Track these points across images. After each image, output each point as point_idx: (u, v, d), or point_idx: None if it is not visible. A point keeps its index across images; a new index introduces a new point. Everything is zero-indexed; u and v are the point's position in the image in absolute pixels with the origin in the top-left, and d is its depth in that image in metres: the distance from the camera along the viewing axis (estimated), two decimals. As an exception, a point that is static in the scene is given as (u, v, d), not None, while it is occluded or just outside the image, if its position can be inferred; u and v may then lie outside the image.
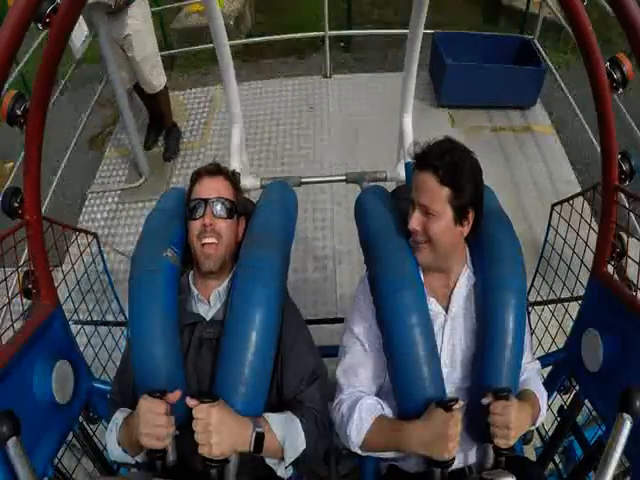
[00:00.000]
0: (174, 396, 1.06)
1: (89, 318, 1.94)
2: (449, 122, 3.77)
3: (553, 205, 2.04)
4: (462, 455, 1.23)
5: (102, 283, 2.06)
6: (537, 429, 1.77)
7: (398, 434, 1.13)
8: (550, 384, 1.61)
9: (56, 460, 1.36)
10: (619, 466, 1.27)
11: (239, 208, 1.31)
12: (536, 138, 3.63)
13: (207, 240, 1.21)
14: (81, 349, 1.55)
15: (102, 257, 2.09)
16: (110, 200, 3.47)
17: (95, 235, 2.01)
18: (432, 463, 1.09)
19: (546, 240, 2.08)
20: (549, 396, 1.32)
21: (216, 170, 1.30)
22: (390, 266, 1.20)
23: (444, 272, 1.24)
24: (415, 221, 1.14)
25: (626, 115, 2.66)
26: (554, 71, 3.67)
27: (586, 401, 1.45)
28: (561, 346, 1.61)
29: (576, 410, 1.49)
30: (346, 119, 3.82)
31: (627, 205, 1.42)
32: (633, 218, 1.76)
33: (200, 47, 4.40)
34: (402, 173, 2.15)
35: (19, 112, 1.15)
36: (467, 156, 1.15)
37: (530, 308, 2.06)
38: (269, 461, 1.13)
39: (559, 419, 1.60)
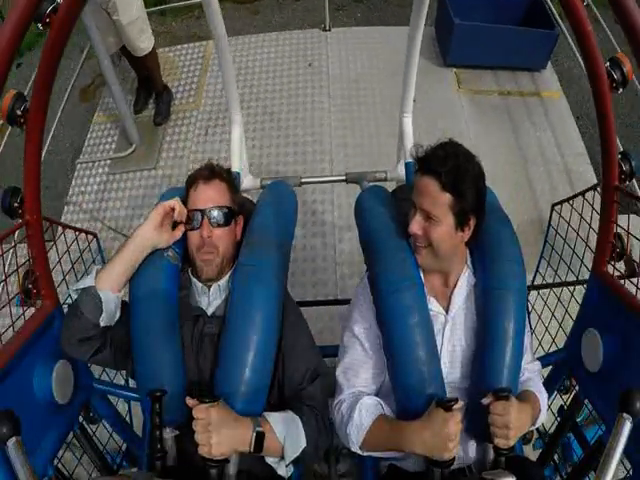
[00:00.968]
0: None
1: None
2: (455, 83, 3.59)
3: (553, 205, 2.04)
4: (462, 455, 1.23)
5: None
6: (537, 429, 1.77)
7: (398, 434, 1.13)
8: (550, 384, 1.61)
9: (56, 460, 1.36)
10: (620, 468, 1.27)
11: (236, 209, 1.30)
12: (545, 104, 3.47)
13: (205, 256, 1.22)
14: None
15: (102, 257, 2.09)
16: (100, 171, 3.32)
17: (95, 235, 2.01)
18: (432, 463, 1.09)
19: (546, 240, 2.08)
20: (549, 396, 1.32)
21: (211, 174, 1.28)
22: (390, 266, 1.21)
23: (444, 273, 1.24)
24: (416, 225, 1.14)
25: None
26: (564, 30, 3.44)
27: (586, 401, 1.45)
28: (561, 346, 1.61)
29: (576, 410, 1.49)
30: (347, 80, 3.60)
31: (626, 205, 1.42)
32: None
33: (192, 1, 4.22)
34: (402, 173, 2.15)
35: (19, 112, 1.15)
36: (470, 161, 1.13)
37: (534, 297, 2.05)
38: (269, 460, 1.13)
39: (559, 419, 1.60)
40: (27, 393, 1.23)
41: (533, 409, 1.19)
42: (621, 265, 1.39)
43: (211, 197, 1.25)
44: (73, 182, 3.31)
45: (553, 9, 3.62)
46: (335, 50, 3.84)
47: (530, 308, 2.01)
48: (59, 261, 1.65)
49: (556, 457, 1.65)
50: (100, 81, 4.17)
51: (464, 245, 1.23)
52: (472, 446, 1.24)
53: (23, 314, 1.33)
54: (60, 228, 1.69)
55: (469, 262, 1.27)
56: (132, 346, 1.19)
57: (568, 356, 1.52)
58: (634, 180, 1.28)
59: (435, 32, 3.88)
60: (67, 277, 1.73)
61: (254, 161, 3.06)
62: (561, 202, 1.96)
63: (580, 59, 3.31)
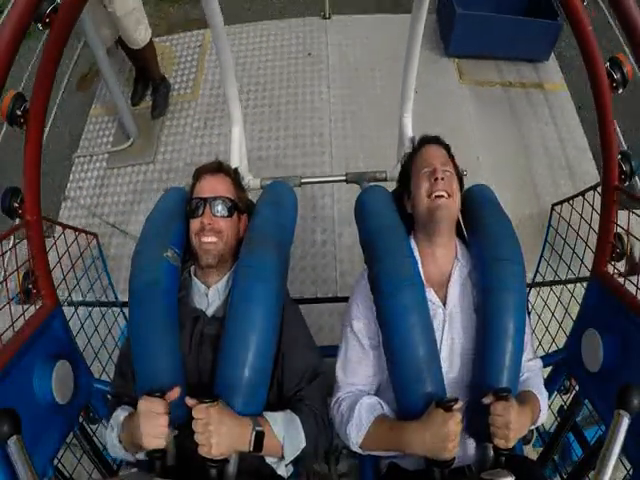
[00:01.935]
0: (173, 393, 1.06)
1: (89, 318, 1.94)
2: (456, 74, 3.55)
3: (553, 205, 2.04)
4: (462, 454, 1.22)
5: (101, 282, 2.06)
6: (537, 429, 1.77)
7: (398, 434, 1.13)
8: (550, 384, 1.61)
9: (56, 460, 1.36)
10: (620, 468, 1.27)
11: (241, 205, 1.32)
12: (548, 96, 3.43)
13: (205, 239, 1.23)
14: (81, 349, 1.55)
15: (102, 257, 2.10)
16: (98, 165, 3.27)
17: (95, 235, 2.01)
18: (432, 463, 1.09)
19: (546, 240, 2.08)
20: (549, 396, 1.33)
21: (217, 168, 1.32)
22: (390, 266, 1.21)
23: (442, 248, 1.27)
24: (441, 173, 1.24)
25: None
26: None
27: (586, 401, 1.45)
28: (561, 346, 1.61)
29: (576, 410, 1.49)
30: (347, 70, 3.54)
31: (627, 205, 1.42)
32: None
33: None
34: (402, 173, 2.14)
35: (19, 112, 1.15)
36: None
37: (534, 296, 2.05)
38: (269, 460, 1.13)
39: (559, 419, 1.60)
40: (27, 393, 1.23)
41: (532, 411, 1.19)
42: (621, 263, 1.39)
43: (215, 188, 1.27)
44: (71, 177, 3.27)
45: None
46: (335, 39, 3.76)
47: (530, 308, 2.01)
48: (59, 261, 1.65)
49: (556, 457, 1.65)
50: (97, 69, 3.97)
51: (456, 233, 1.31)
52: (472, 446, 1.24)
53: (23, 314, 1.33)
54: (60, 228, 1.70)
55: (459, 256, 1.28)
56: (132, 346, 1.19)
57: (568, 356, 1.52)
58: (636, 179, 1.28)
59: (437, 21, 3.81)
60: (67, 277, 1.73)
61: (252, 154, 3.02)
62: (561, 202, 1.96)
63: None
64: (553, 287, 2.05)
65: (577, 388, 1.51)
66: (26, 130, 1.18)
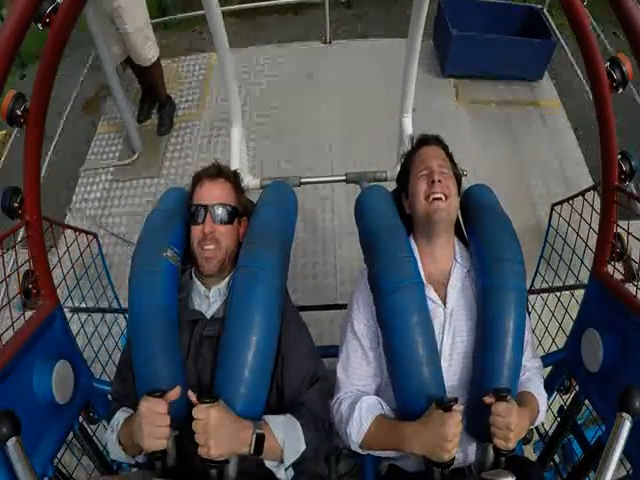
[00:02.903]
0: (174, 394, 1.06)
1: (89, 318, 1.94)
2: (453, 95, 3.64)
3: (553, 205, 2.04)
4: (462, 454, 1.23)
5: (102, 282, 2.06)
6: (537, 429, 1.77)
7: (398, 434, 1.13)
8: (550, 384, 1.60)
9: (56, 460, 1.36)
10: (620, 469, 1.27)
11: (240, 210, 1.31)
12: (543, 114, 3.52)
13: (207, 247, 1.23)
14: (81, 349, 1.55)
15: (102, 257, 2.09)
16: (104, 178, 3.36)
17: (95, 235, 2.01)
18: (432, 463, 1.09)
19: (546, 240, 2.08)
20: (549, 396, 1.33)
21: (217, 173, 1.30)
22: (390, 266, 1.21)
23: (441, 248, 1.27)
24: (438, 174, 1.24)
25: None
26: (563, 43, 3.53)
27: (586, 401, 1.45)
28: (561, 346, 1.61)
29: (576, 410, 1.49)
30: (347, 92, 3.64)
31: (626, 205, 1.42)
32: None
33: (195, 13, 4.26)
34: (402, 173, 2.14)
35: (19, 112, 1.15)
36: None
37: (534, 297, 2.05)
38: (268, 464, 1.13)
39: (559, 419, 1.60)
40: (27, 393, 1.23)
41: (531, 411, 1.19)
42: (620, 268, 1.39)
43: (216, 194, 1.27)
44: (76, 189, 3.34)
45: (550, 20, 3.68)
46: (335, 62, 3.88)
47: (530, 309, 2.01)
48: (59, 261, 1.65)
49: (556, 457, 1.65)
50: (103, 94, 4.19)
51: (454, 233, 1.32)
52: (472, 446, 1.24)
53: (23, 314, 1.33)
54: (60, 228, 1.70)
55: (458, 256, 1.29)
56: (132, 347, 1.19)
57: (568, 356, 1.52)
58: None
59: (433, 44, 3.95)
60: (67, 277, 1.73)
61: (254, 171, 3.07)
62: (561, 202, 1.96)
63: (578, 70, 3.34)
64: (554, 282, 2.05)
65: (577, 388, 1.51)
66: (26, 130, 1.18)
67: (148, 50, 3.13)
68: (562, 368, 1.58)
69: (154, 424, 1.02)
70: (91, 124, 3.95)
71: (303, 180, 2.07)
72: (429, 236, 1.27)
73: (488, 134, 3.39)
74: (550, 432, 1.67)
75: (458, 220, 1.38)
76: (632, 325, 1.24)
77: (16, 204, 1.26)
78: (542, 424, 1.69)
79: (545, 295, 2.05)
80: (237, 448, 1.03)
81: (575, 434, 1.57)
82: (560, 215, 1.94)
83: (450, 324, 1.24)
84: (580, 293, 1.56)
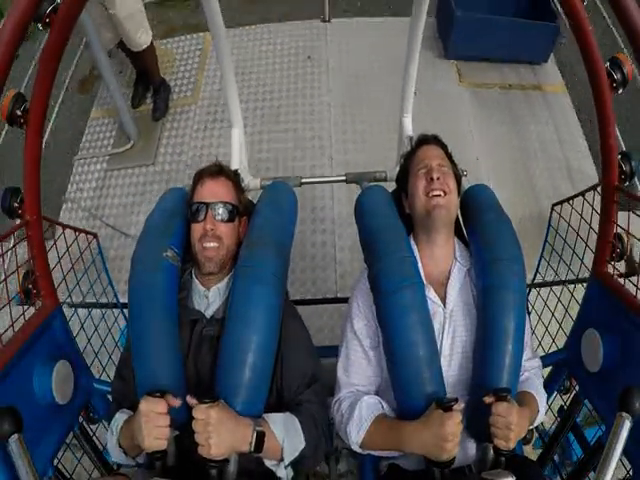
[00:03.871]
0: (174, 402, 1.06)
1: (89, 318, 1.94)
2: (456, 77, 3.56)
3: (553, 205, 2.05)
4: (462, 454, 1.23)
5: (101, 282, 2.06)
6: (537, 429, 1.77)
7: (398, 434, 1.13)
8: (550, 384, 1.61)
9: (56, 460, 1.36)
10: (620, 469, 1.27)
11: (241, 209, 1.32)
12: (547, 99, 3.45)
13: (208, 244, 1.23)
14: (81, 349, 1.55)
15: (102, 257, 2.10)
16: (98, 167, 3.28)
17: (95, 235, 2.01)
18: (432, 463, 1.09)
19: (546, 240, 2.08)
20: (549, 396, 1.33)
21: (218, 171, 1.31)
22: (390, 265, 1.21)
23: (441, 247, 1.27)
24: (437, 172, 1.25)
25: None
26: (567, 24, 3.52)
27: (586, 401, 1.45)
28: (561, 346, 1.61)
29: (576, 410, 1.49)
30: (346, 74, 3.56)
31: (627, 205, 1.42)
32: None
33: None
34: (402, 173, 2.14)
35: (19, 112, 1.15)
36: None
37: (534, 296, 2.05)
38: (268, 463, 1.13)
39: (559, 419, 1.60)
40: (27, 393, 1.23)
41: (531, 412, 1.19)
42: (621, 263, 1.39)
43: (217, 192, 1.27)
44: (71, 179, 3.28)
45: (556, 2, 3.54)
46: (335, 42, 3.77)
47: (530, 308, 2.01)
48: (59, 261, 1.65)
49: (556, 457, 1.65)
50: (98, 72, 4.00)
51: (454, 233, 1.32)
52: (472, 446, 1.24)
53: (23, 314, 1.33)
54: (60, 228, 1.70)
55: (458, 255, 1.29)
56: (132, 346, 1.19)
57: (568, 356, 1.52)
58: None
59: (436, 23, 3.81)
60: (67, 277, 1.73)
61: (252, 156, 3.03)
62: (561, 202, 1.96)
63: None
64: (553, 287, 2.05)
65: (577, 388, 1.51)
66: (26, 130, 1.18)
67: (140, 35, 3.04)
68: (562, 368, 1.58)
69: (154, 424, 1.02)
70: (86, 103, 3.84)
71: (303, 180, 2.07)
72: (429, 234, 1.27)
73: (491, 117, 3.33)
74: (550, 432, 1.67)
75: (458, 220, 1.38)
76: (632, 325, 1.24)
77: (16, 204, 1.26)
78: (542, 424, 1.69)
79: (545, 295, 2.05)
80: (237, 446, 1.03)
81: (575, 434, 1.57)
82: (560, 215, 1.94)
83: (450, 324, 1.24)
84: (580, 292, 1.56)
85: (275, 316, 1.18)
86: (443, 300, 1.25)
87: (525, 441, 1.67)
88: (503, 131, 3.23)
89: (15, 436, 0.94)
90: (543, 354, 1.65)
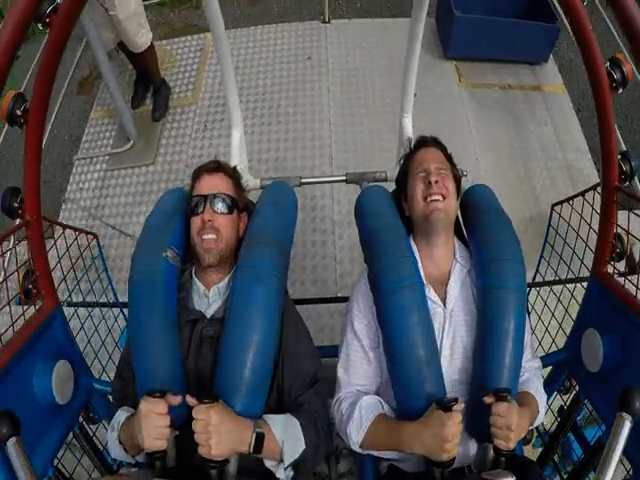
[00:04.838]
0: (174, 399, 1.06)
1: (89, 318, 1.94)
2: (455, 77, 3.58)
3: (553, 205, 2.05)
4: (462, 455, 1.23)
5: (102, 282, 2.06)
6: (537, 429, 1.77)
7: (397, 434, 1.13)
8: (550, 384, 1.61)
9: (56, 460, 1.36)
10: (620, 469, 1.27)
11: (240, 204, 1.32)
12: (547, 99, 3.46)
13: (206, 236, 1.23)
14: (81, 349, 1.55)
15: (102, 258, 2.10)
16: (98, 167, 3.29)
17: (95, 235, 2.01)
18: (432, 463, 1.09)
19: (546, 240, 2.08)
20: (549, 396, 1.33)
21: (216, 167, 1.33)
22: (390, 265, 1.21)
23: (440, 248, 1.27)
24: (435, 175, 1.25)
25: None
26: (566, 23, 3.45)
27: (586, 401, 1.45)
28: (561, 346, 1.61)
29: (576, 410, 1.49)
30: (346, 74, 3.57)
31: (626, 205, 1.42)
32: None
33: None
34: (402, 173, 2.14)
35: (19, 112, 1.15)
36: None
37: (534, 296, 2.05)
38: (268, 464, 1.13)
39: (559, 419, 1.60)
40: (27, 393, 1.23)
41: (531, 412, 1.19)
42: (622, 263, 1.39)
43: (214, 185, 1.28)
44: (71, 179, 3.28)
45: (555, 3, 3.56)
46: (334, 43, 3.79)
47: (530, 308, 2.01)
48: (59, 261, 1.65)
49: (556, 457, 1.65)
50: (98, 73, 4.05)
51: (454, 235, 1.32)
52: (472, 446, 1.24)
53: (23, 314, 1.33)
54: (60, 228, 1.70)
55: (458, 256, 1.29)
56: (131, 346, 1.19)
57: (568, 356, 1.52)
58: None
59: (436, 24, 3.83)
60: (67, 277, 1.73)
61: (253, 156, 3.04)
62: (561, 202, 1.96)
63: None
64: (553, 287, 2.05)
65: (577, 388, 1.51)
66: (26, 130, 1.18)
67: (141, 36, 3.05)
68: (562, 368, 1.58)
69: (154, 424, 1.02)
70: (85, 104, 3.87)
71: (303, 180, 2.07)
72: (428, 237, 1.27)
73: (491, 118, 3.34)
74: (550, 432, 1.67)
75: (458, 220, 1.38)
76: (632, 325, 1.24)
77: (16, 204, 1.26)
78: (542, 424, 1.69)
79: (545, 295, 2.06)
80: (237, 447, 1.03)
81: (575, 434, 1.57)
82: (560, 215, 1.94)
83: (450, 324, 1.24)
84: (580, 292, 1.56)
85: (275, 316, 1.18)
86: (443, 300, 1.25)
87: (525, 441, 1.66)
88: (502, 131, 3.24)
89: (13, 439, 0.94)
90: (543, 354, 1.65)
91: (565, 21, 3.44)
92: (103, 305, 2.08)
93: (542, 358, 1.44)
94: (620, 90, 1.18)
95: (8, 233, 1.28)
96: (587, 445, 1.49)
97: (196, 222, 1.25)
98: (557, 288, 2.01)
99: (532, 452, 1.85)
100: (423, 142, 1.39)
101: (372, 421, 1.18)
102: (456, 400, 1.07)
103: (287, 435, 1.10)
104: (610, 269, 1.38)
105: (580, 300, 1.53)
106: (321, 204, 2.88)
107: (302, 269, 2.64)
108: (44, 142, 2.87)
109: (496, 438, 1.08)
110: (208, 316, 1.24)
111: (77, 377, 1.40)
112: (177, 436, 1.09)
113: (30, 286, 1.34)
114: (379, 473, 1.37)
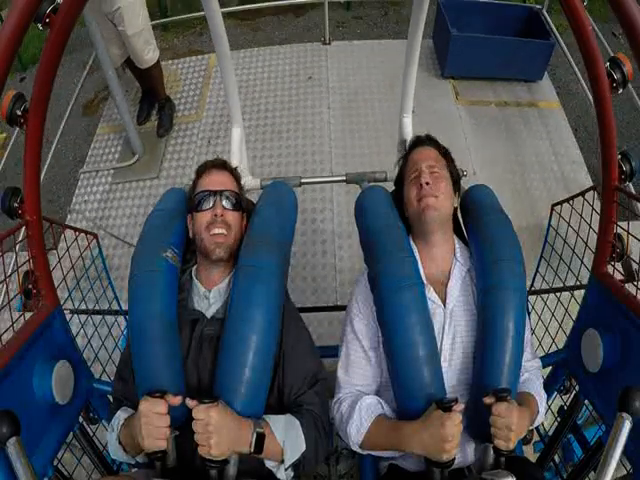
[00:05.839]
0: (174, 399, 1.06)
1: (89, 318, 1.94)
2: (452, 95, 3.66)
3: (553, 205, 2.04)
4: (462, 455, 1.23)
5: (102, 282, 2.06)
6: (537, 429, 1.77)
7: (397, 434, 1.13)
8: (550, 384, 1.61)
9: (56, 460, 1.36)
10: (620, 469, 1.27)
11: (243, 204, 1.33)
12: (542, 114, 3.54)
13: (217, 230, 1.22)
14: (81, 349, 1.55)
15: (102, 258, 2.09)
16: (103, 180, 3.38)
17: (95, 235, 2.01)
18: (432, 463, 1.09)
19: (546, 240, 2.08)
20: (549, 396, 1.33)
21: (223, 164, 1.34)
22: (390, 266, 1.21)
23: (439, 247, 1.28)
24: (427, 176, 1.25)
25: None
26: (562, 44, 3.56)
27: (586, 401, 1.45)
28: (561, 346, 1.61)
29: (576, 410, 1.49)
30: (346, 92, 3.67)
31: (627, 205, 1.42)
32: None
33: (195, 14, 4.34)
34: (402, 173, 2.14)
35: (19, 112, 1.15)
36: None
37: (534, 297, 2.06)
38: (268, 464, 1.13)
39: (559, 419, 1.60)
40: (27, 393, 1.23)
41: (531, 412, 1.19)
42: (621, 268, 1.39)
43: (223, 182, 1.29)
44: (76, 191, 3.35)
45: (550, 21, 3.70)
46: (335, 63, 3.90)
47: (530, 309, 2.01)
48: (59, 261, 1.65)
49: (556, 457, 1.65)
50: (102, 95, 4.24)
51: (453, 234, 1.32)
52: (472, 446, 1.24)
53: (23, 314, 1.33)
54: (60, 229, 1.70)
55: (458, 255, 1.29)
56: (131, 347, 1.19)
57: (568, 356, 1.52)
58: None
59: (433, 43, 3.95)
60: (67, 277, 1.73)
61: (255, 170, 3.10)
62: (561, 202, 1.96)
63: (578, 72, 3.36)
64: (554, 282, 2.05)
65: (577, 388, 1.51)
66: (26, 130, 1.18)
67: (148, 52, 3.14)
68: (562, 368, 1.58)
69: (154, 424, 1.02)
70: (90, 126, 3.98)
71: (303, 180, 2.07)
72: (425, 236, 1.27)
73: (487, 134, 3.40)
74: (550, 432, 1.67)
75: (458, 220, 1.38)
76: (632, 325, 1.24)
77: (16, 204, 1.26)
78: (542, 424, 1.69)
79: (545, 295, 2.06)
80: (238, 447, 1.03)
81: (575, 434, 1.56)
82: (560, 215, 1.94)
83: (450, 324, 1.24)
84: (580, 292, 1.56)
85: (276, 316, 1.18)
86: (443, 300, 1.25)
87: (525, 441, 1.67)
88: (499, 146, 3.32)
89: (13, 439, 0.94)
90: (543, 354, 1.65)
91: (561, 41, 3.53)
92: (106, 313, 2.09)
93: (542, 358, 1.44)
94: (620, 90, 1.18)
95: (8, 233, 1.28)
96: (587, 445, 1.49)
97: (204, 217, 1.24)
98: (558, 283, 2.01)
99: (532, 452, 1.85)
100: (418, 142, 1.39)
101: (372, 421, 1.18)
102: (456, 400, 1.07)
103: (288, 435, 1.10)
104: (610, 270, 1.38)
105: (580, 300, 1.53)
106: (321, 218, 2.96)
107: (302, 278, 2.68)
108: (47, 163, 2.92)
109: (496, 438, 1.08)
110: (208, 316, 1.24)
111: (77, 377, 1.40)
112: (177, 436, 1.09)
113: (30, 286, 1.34)
114: (379, 473, 1.37)
